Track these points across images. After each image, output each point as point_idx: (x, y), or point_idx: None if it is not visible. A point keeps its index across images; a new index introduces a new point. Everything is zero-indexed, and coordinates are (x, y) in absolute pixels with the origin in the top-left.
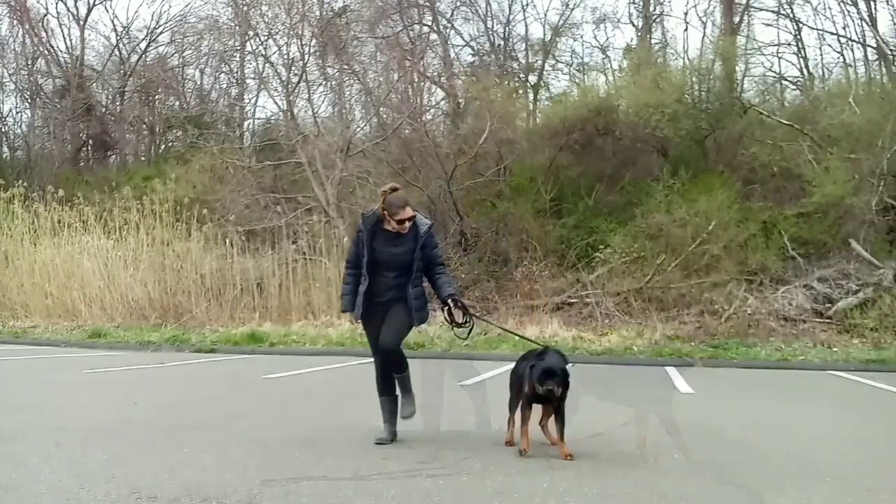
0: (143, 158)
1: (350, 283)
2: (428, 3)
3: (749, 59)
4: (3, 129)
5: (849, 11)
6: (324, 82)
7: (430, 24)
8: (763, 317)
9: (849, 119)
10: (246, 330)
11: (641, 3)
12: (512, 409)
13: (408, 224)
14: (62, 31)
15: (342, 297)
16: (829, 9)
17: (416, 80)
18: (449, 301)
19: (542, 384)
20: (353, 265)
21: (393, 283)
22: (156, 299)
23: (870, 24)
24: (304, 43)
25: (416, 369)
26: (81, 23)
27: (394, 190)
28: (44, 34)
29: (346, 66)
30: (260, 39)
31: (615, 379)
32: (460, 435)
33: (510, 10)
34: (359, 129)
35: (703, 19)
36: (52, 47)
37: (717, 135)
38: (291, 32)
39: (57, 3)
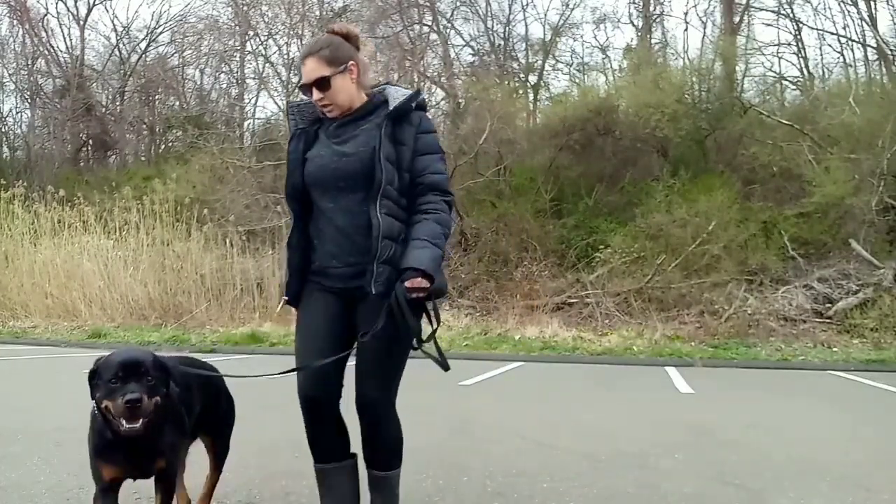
0: (143, 158)
1: (295, 234)
2: (428, 3)
3: (749, 59)
4: (3, 129)
5: (849, 11)
6: None
7: (430, 24)
8: (763, 317)
9: (849, 119)
10: (246, 330)
11: (641, 3)
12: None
13: (316, 94)
14: (62, 31)
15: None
16: (829, 9)
17: (416, 80)
18: (405, 283)
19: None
20: (293, 198)
21: (352, 226)
22: (156, 299)
23: (870, 24)
24: (303, 43)
25: (414, 369)
26: (81, 23)
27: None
28: (44, 34)
29: None
30: (260, 39)
31: (615, 379)
32: (460, 435)
33: (510, 10)
34: None
35: (703, 19)
36: (52, 47)
37: (717, 135)
38: (291, 32)
39: (57, 3)
